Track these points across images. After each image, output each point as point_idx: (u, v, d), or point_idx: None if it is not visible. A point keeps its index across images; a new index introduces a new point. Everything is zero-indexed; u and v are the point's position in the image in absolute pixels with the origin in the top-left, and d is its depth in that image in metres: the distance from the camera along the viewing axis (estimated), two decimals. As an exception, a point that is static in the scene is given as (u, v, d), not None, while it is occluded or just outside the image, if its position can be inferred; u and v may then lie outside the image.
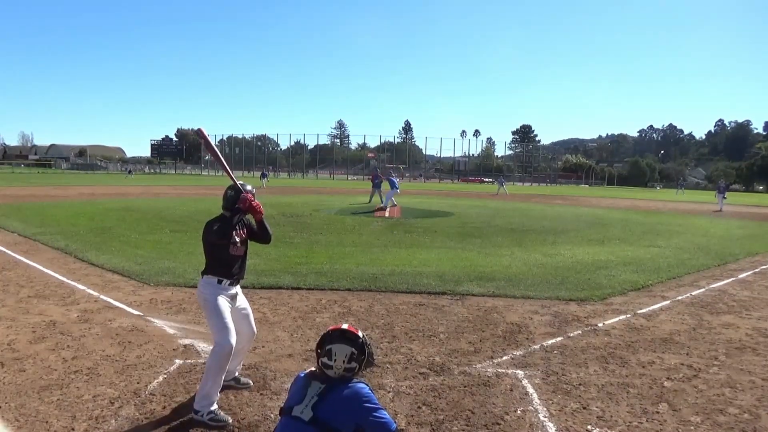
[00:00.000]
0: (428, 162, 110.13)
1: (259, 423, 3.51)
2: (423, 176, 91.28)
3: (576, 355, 4.93)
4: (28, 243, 10.54)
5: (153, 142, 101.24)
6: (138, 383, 4.06)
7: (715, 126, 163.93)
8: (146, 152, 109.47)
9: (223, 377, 3.64)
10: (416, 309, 6.37)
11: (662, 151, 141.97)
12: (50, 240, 10.68)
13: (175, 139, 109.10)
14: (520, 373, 4.47)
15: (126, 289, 6.96)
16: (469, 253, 10.42)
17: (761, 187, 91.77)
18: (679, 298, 7.34)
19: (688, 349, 5.19)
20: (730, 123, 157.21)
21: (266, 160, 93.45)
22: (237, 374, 4.09)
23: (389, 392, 4.03)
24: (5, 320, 5.52)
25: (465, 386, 4.16)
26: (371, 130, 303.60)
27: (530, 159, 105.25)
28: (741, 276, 9.11)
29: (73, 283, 7.25)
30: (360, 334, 2.79)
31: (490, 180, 78.35)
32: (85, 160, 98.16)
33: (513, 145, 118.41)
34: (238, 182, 3.77)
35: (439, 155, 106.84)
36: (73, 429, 3.36)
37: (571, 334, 5.54)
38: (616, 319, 6.20)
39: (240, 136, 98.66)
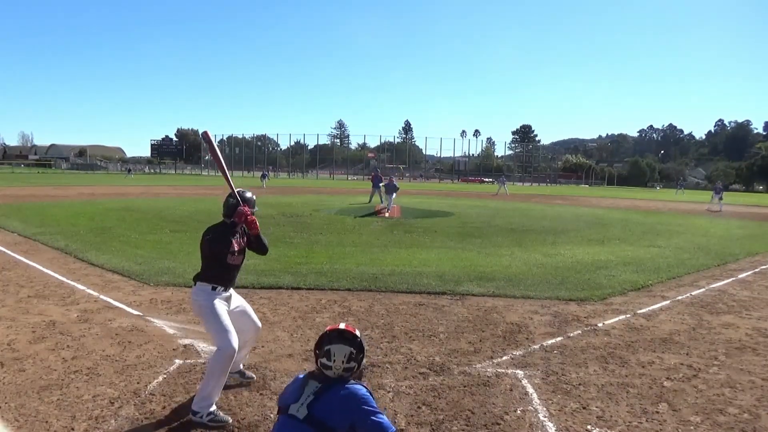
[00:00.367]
0: (428, 162, 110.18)
1: (259, 423, 3.51)
2: (423, 176, 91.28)
3: (576, 355, 4.93)
4: (28, 243, 10.54)
5: (153, 142, 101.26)
6: (138, 383, 4.06)
7: (715, 126, 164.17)
8: (146, 152, 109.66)
9: (225, 380, 3.64)
10: (416, 309, 6.37)
11: (662, 151, 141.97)
12: (50, 240, 10.68)
13: (175, 139, 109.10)
14: (519, 373, 4.47)
15: (126, 289, 6.96)
16: (469, 253, 10.42)
17: (761, 187, 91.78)
18: (679, 298, 7.34)
19: (688, 349, 5.19)
20: (730, 123, 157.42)
21: (266, 160, 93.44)
22: (242, 367, 4.11)
23: (389, 392, 4.03)
24: (5, 320, 5.52)
25: (465, 386, 4.16)
26: (371, 130, 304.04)
27: (530, 159, 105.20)
28: (741, 276, 9.11)
29: (73, 283, 7.25)
30: (357, 333, 2.79)
31: (490, 180, 78.35)
32: (85, 160, 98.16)
33: (513, 145, 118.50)
34: (237, 190, 3.75)
35: (439, 155, 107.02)
36: (72, 429, 3.36)
37: (571, 334, 5.54)
38: (616, 319, 6.20)
39: (240, 136, 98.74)
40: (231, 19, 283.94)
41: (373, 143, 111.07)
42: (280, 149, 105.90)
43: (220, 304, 3.67)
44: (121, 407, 3.65)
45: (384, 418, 2.61)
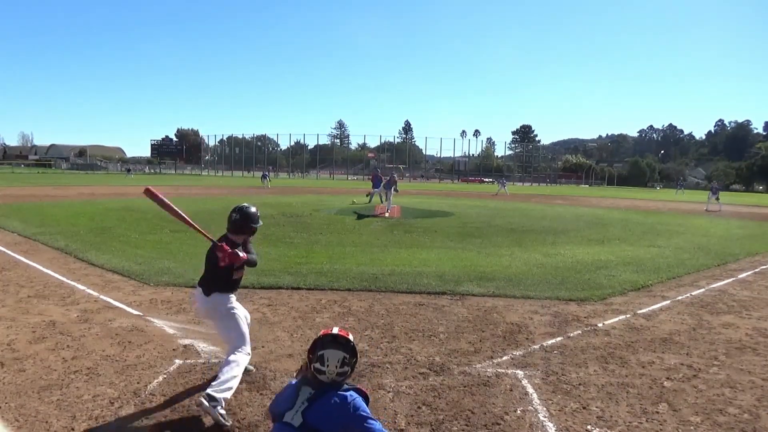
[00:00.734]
0: (428, 162, 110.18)
1: (259, 423, 3.51)
2: (423, 176, 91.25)
3: (576, 355, 4.93)
4: (28, 243, 10.54)
5: (153, 142, 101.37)
6: (138, 383, 4.06)
7: (715, 126, 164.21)
8: (146, 152, 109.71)
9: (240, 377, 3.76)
10: (416, 309, 6.37)
11: (662, 151, 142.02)
12: (50, 240, 10.68)
13: (175, 139, 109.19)
14: (519, 373, 4.47)
15: (126, 289, 6.96)
16: (469, 253, 10.42)
17: (761, 187, 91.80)
18: (679, 298, 7.34)
19: (688, 349, 5.19)
20: (730, 123, 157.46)
21: (266, 160, 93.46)
22: None
23: (389, 392, 4.03)
24: (5, 320, 5.52)
25: (465, 386, 4.16)
26: (371, 130, 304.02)
27: (530, 159, 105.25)
28: (741, 276, 9.10)
29: (73, 283, 7.25)
30: (351, 337, 2.78)
31: (490, 180, 78.32)
32: (85, 160, 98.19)
33: (513, 145, 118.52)
34: (242, 204, 3.94)
35: (439, 155, 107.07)
36: (72, 429, 3.36)
37: (571, 334, 5.54)
38: (616, 319, 6.20)
39: (240, 136, 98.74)
40: (231, 19, 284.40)
41: (373, 143, 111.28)
42: (280, 149, 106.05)
43: (241, 309, 4.01)
44: (121, 407, 3.65)
45: (376, 424, 2.60)
